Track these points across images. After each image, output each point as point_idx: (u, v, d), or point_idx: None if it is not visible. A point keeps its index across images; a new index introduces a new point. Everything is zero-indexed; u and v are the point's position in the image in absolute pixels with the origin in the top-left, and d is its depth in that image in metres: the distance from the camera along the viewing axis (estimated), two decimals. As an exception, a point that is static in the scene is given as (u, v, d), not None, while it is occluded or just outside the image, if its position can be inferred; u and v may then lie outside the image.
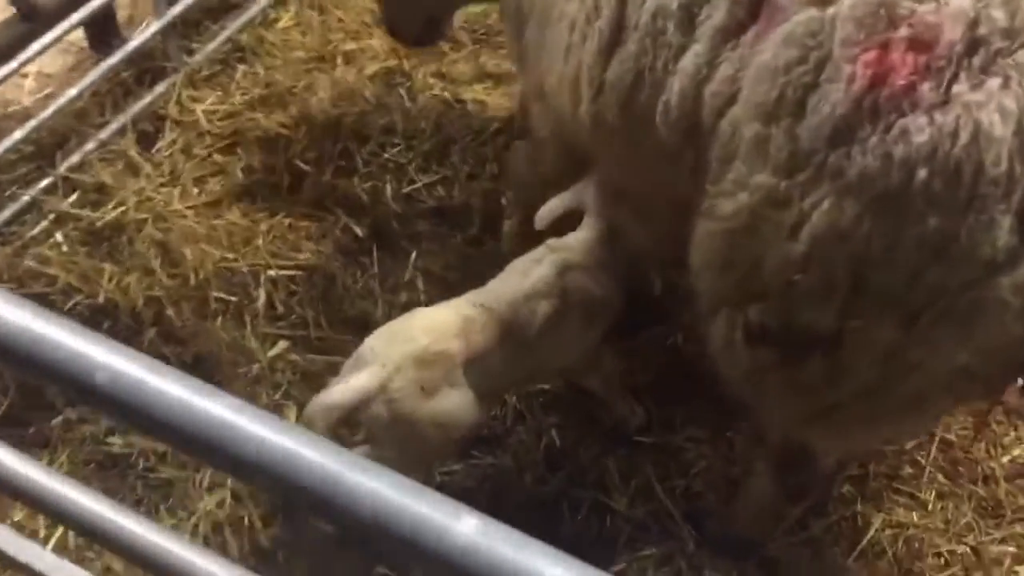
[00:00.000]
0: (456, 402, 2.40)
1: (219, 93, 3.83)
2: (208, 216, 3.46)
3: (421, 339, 2.37)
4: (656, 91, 2.12)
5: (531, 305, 2.54)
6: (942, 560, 2.75)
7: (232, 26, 3.95)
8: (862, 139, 1.70)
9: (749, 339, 2.03)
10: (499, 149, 3.66)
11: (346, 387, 2.31)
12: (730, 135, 1.95)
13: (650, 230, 2.63)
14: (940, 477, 2.90)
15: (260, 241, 3.37)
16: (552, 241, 2.71)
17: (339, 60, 4.00)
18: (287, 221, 3.46)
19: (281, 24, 4.10)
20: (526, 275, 2.62)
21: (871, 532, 2.77)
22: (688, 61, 2.04)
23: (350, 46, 4.04)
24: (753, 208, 1.89)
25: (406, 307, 3.16)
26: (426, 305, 3.19)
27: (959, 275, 1.72)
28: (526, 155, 3.16)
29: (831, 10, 1.78)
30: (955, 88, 1.64)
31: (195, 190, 3.54)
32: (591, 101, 2.28)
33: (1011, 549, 2.77)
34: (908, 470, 2.91)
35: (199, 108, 3.75)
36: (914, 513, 2.83)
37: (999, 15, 1.63)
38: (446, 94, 3.88)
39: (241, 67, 3.93)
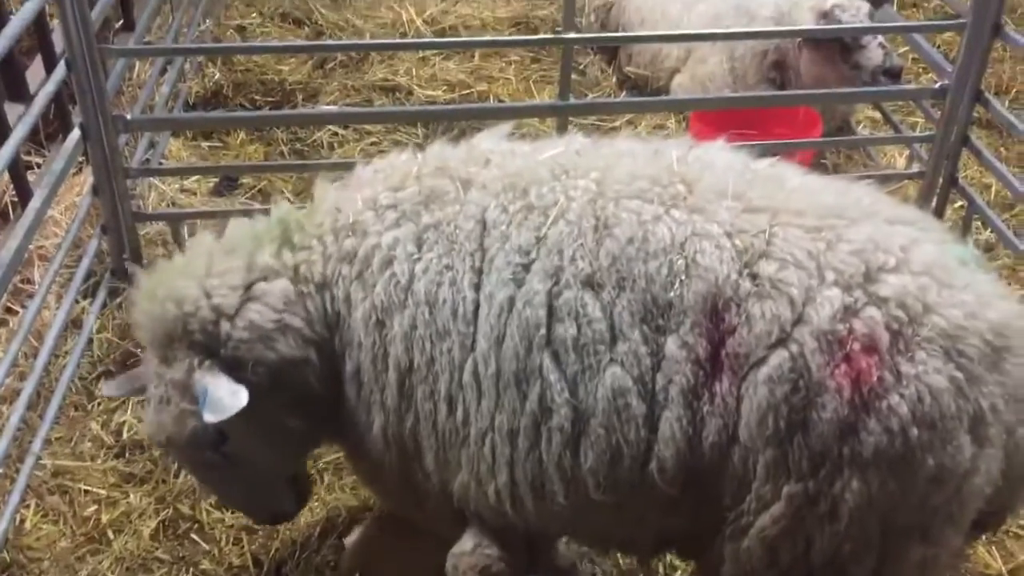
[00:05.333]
0: None
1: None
2: None
3: None
4: (638, 459, 2.25)
5: None
6: None
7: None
8: (864, 426, 2.08)
9: None
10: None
11: None
12: (742, 466, 2.19)
13: None
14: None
15: None
16: None
17: (109, 532, 3.57)
18: None
19: (31, 523, 3.58)
20: None
21: None
22: (669, 427, 2.21)
23: (112, 514, 3.64)
24: (792, 512, 2.16)
25: None
26: None
27: (951, 487, 2.13)
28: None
29: (794, 347, 2.11)
30: (901, 367, 2.07)
31: None
32: (566, 495, 2.34)
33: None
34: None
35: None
36: None
37: (899, 313, 2.09)
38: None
39: (11, 586, 3.35)
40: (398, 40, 6.15)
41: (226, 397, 2.43)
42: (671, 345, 2.22)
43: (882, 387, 2.06)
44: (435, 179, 2.54)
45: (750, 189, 2.33)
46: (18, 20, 3.57)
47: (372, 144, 5.43)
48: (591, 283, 2.29)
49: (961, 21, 4.35)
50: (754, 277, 2.18)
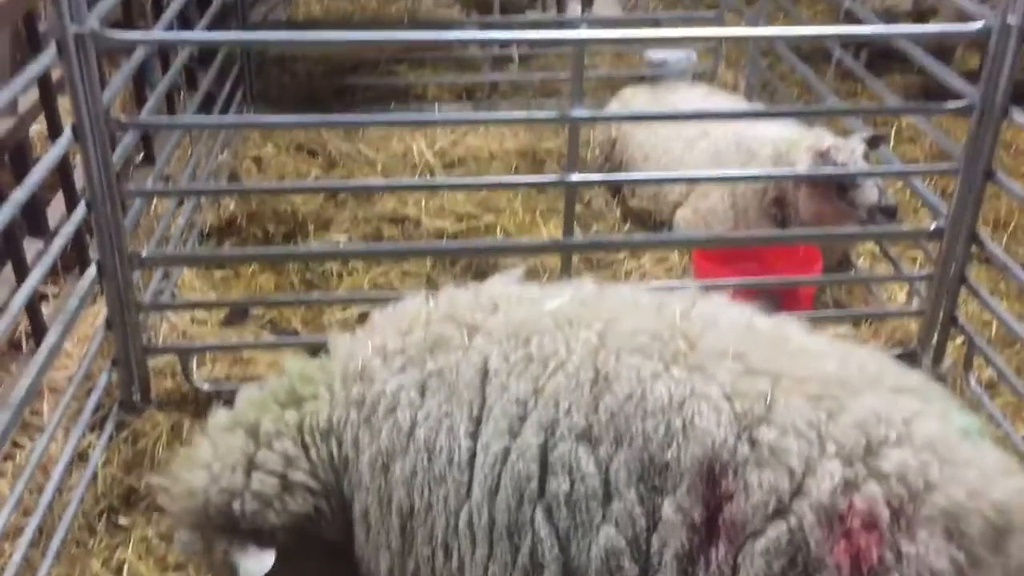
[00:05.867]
0: None
1: None
2: None
3: None
4: None
5: None
6: None
7: None
8: None
9: None
10: None
11: None
12: None
13: None
14: None
15: None
16: None
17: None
18: None
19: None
20: None
21: None
22: None
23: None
24: None
25: None
26: None
27: None
28: None
29: (793, 520, 2.09)
30: (902, 546, 2.04)
31: None
32: None
33: None
34: None
35: None
36: None
37: (900, 490, 2.07)
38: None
39: None
40: (406, 180, 6.29)
41: (252, 569, 2.48)
42: (667, 507, 2.21)
43: (882, 566, 2.02)
44: (442, 325, 2.58)
45: (752, 350, 2.34)
46: (42, 166, 3.68)
47: (381, 274, 5.51)
48: (587, 437, 2.30)
49: (954, 166, 4.46)
50: (753, 443, 2.18)
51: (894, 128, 6.95)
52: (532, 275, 4.75)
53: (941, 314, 4.75)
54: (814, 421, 2.17)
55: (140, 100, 5.81)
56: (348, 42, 6.17)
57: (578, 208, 5.77)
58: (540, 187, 6.25)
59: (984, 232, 4.69)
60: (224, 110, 6.75)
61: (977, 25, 4.15)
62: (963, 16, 4.49)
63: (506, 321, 2.55)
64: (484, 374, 2.45)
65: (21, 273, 4.13)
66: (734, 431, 2.20)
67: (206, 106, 6.43)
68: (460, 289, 2.76)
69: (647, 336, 2.40)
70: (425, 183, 6.11)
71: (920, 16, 8.10)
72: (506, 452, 2.35)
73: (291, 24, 8.84)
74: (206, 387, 4.51)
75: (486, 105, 7.73)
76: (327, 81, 7.92)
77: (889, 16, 7.81)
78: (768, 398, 2.22)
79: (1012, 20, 4.02)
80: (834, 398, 2.21)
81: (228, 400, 2.91)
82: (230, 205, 5.94)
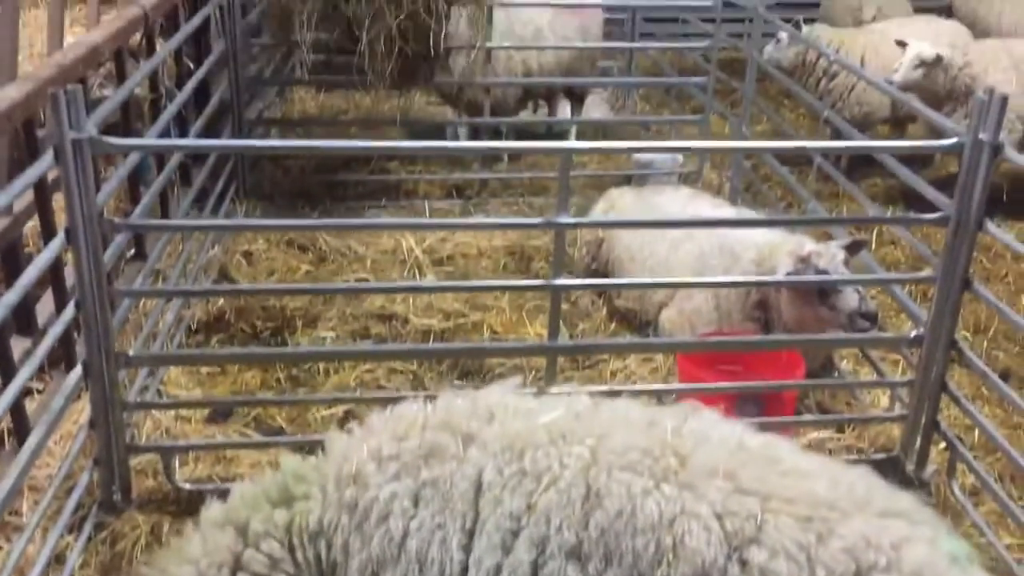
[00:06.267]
0: None
1: None
2: None
3: None
4: None
5: None
6: None
7: None
8: None
9: None
10: None
11: None
12: None
13: None
14: None
15: None
16: None
17: None
18: None
19: None
20: None
21: None
22: None
23: None
24: None
25: None
26: None
27: None
28: None
29: None
30: None
31: None
32: None
33: None
34: None
35: None
36: None
37: None
38: None
39: None
40: (395, 283, 6.34)
41: None
42: None
43: None
44: (438, 433, 2.59)
45: (742, 468, 2.35)
46: (34, 268, 3.72)
47: (367, 371, 5.52)
48: (576, 554, 2.29)
49: (931, 275, 4.54)
50: (743, 564, 2.18)
51: (875, 231, 7.08)
52: (519, 373, 4.77)
53: (923, 419, 4.77)
54: (804, 544, 2.18)
55: (134, 196, 5.88)
56: (333, 149, 6.31)
57: (564, 306, 5.84)
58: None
59: (965, 336, 4.74)
60: (217, 205, 6.84)
61: (950, 141, 4.28)
62: (938, 128, 4.64)
63: (502, 432, 2.56)
64: (478, 487, 2.46)
65: (7, 372, 4.13)
66: (724, 551, 2.21)
67: (199, 200, 6.52)
68: (458, 396, 2.77)
69: (638, 452, 2.42)
70: (413, 286, 6.17)
71: (898, 122, 8.34)
72: (498, 568, 2.34)
73: (286, 121, 9.03)
74: (187, 487, 4.47)
75: (475, 202, 7.87)
76: (319, 176, 8.05)
77: (868, 122, 8.05)
78: (758, 518, 2.23)
79: (983, 136, 4.15)
80: (824, 520, 2.22)
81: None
82: (219, 300, 5.97)
